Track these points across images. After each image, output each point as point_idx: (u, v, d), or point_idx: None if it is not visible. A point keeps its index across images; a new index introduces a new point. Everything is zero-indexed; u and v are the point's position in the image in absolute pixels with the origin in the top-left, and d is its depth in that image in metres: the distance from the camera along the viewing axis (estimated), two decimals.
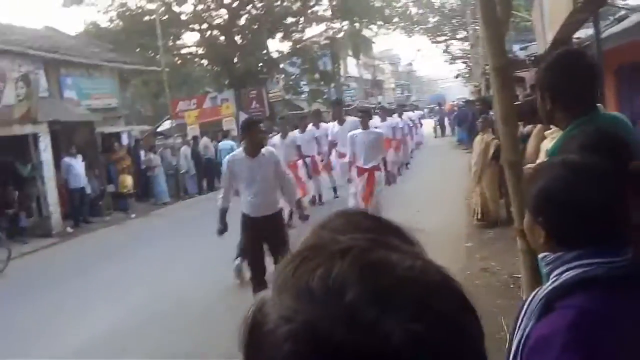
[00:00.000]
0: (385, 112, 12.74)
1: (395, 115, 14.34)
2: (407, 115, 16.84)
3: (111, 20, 23.56)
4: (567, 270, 1.06)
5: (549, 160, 1.31)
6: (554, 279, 1.08)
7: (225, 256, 5.87)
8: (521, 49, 11.26)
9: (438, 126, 29.29)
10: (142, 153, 15.10)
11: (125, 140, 14.92)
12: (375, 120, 12.01)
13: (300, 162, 9.26)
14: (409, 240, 0.47)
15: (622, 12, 7.31)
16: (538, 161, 2.16)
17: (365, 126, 6.90)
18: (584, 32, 7.82)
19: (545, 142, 2.34)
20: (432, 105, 34.26)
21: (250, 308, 0.44)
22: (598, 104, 2.02)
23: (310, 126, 10.32)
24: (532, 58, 9.38)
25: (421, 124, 22.69)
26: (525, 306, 1.12)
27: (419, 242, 0.47)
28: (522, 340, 1.07)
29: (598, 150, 1.28)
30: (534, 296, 1.12)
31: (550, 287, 1.08)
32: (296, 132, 9.97)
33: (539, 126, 2.88)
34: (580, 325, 0.97)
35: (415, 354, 0.37)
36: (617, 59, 8.23)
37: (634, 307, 1.00)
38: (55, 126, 11.76)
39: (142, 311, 5.39)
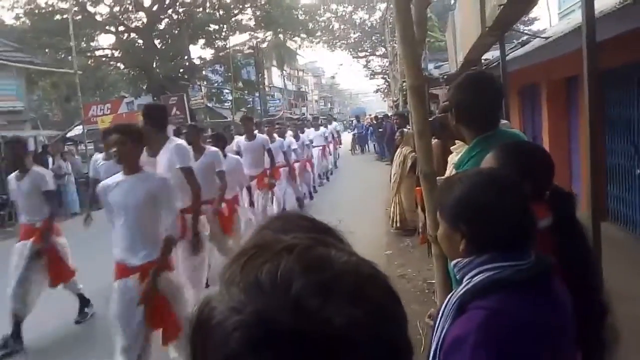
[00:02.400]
0: (298, 127, 12.26)
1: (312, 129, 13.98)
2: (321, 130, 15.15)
3: (17, 18, 21.93)
4: (478, 273, 1.15)
5: (465, 172, 1.39)
6: (467, 282, 1.16)
7: None
8: (435, 67, 11.92)
9: (357, 142, 26.47)
10: (50, 160, 14.12)
11: (31, 146, 13.88)
12: (311, 130, 13.46)
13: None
14: (340, 239, 0.53)
15: (525, 37, 7.97)
16: (446, 173, 2.32)
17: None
18: (492, 54, 8.44)
19: (452, 155, 2.49)
20: (351, 119, 31.29)
21: (195, 306, 0.47)
22: (504, 121, 2.22)
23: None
24: (445, 76, 9.95)
25: (339, 142, 20.04)
26: (442, 309, 1.19)
27: (348, 241, 0.53)
28: (440, 342, 1.14)
29: (518, 158, 1.41)
30: (449, 299, 1.20)
31: (462, 290, 1.15)
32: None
33: (435, 141, 3.11)
34: (489, 325, 1.05)
35: (354, 335, 0.42)
36: (521, 80, 8.96)
37: (538, 306, 1.10)
38: None
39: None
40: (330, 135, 16.01)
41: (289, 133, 10.46)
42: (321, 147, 13.51)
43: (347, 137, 29.08)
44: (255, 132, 7.73)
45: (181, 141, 4.36)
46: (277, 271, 0.43)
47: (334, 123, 19.62)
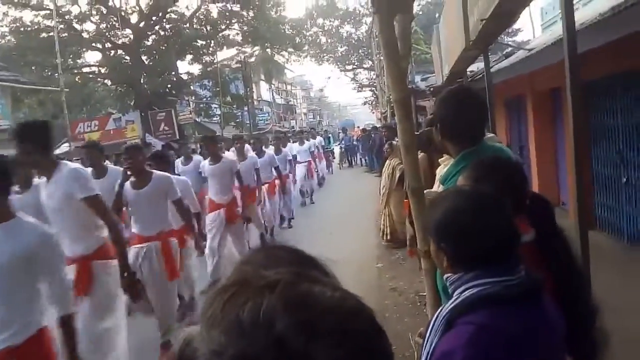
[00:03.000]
0: (279, 141, 10.73)
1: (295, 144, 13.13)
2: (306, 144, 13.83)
3: (3, 36, 21.86)
4: (466, 289, 1.15)
5: (445, 191, 1.41)
6: (456, 297, 1.17)
7: None
8: (422, 79, 12.03)
9: (345, 155, 25.17)
10: (35, 178, 13.95)
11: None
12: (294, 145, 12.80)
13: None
14: (325, 271, 0.51)
15: (510, 49, 8.07)
16: (434, 187, 2.33)
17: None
18: (477, 66, 8.54)
19: (440, 168, 2.50)
20: (339, 132, 27.50)
21: (177, 344, 0.46)
22: (490, 134, 2.23)
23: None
24: (432, 88, 10.04)
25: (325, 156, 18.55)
26: (431, 323, 1.19)
27: (333, 272, 0.51)
28: (428, 357, 1.14)
29: (495, 175, 1.42)
30: (438, 314, 1.19)
31: (451, 305, 1.16)
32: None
33: (421, 155, 3.12)
34: (477, 340, 1.05)
35: None
36: (506, 91, 9.07)
37: (527, 321, 1.10)
38: None
39: None
40: (315, 149, 15.02)
41: (270, 148, 9.79)
42: (307, 163, 12.53)
43: (335, 151, 27.66)
44: (225, 153, 7.02)
45: (76, 165, 3.45)
46: (259, 310, 0.42)
47: (318, 137, 18.05)
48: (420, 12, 29.30)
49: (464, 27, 3.86)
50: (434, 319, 1.20)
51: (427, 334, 1.19)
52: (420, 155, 3.07)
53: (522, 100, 8.80)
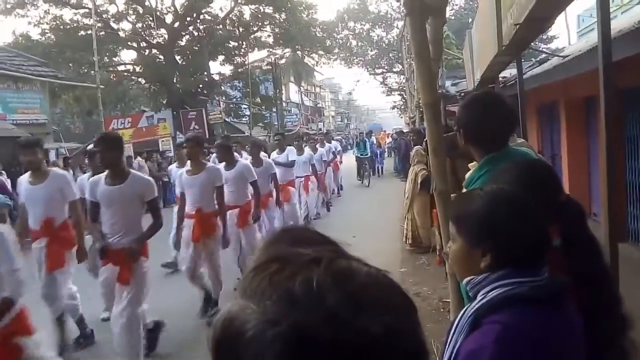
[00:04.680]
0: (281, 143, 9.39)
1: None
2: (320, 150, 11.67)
3: (43, 33, 22.61)
4: (493, 289, 1.15)
5: (484, 188, 1.38)
6: (481, 297, 1.17)
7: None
8: (452, 84, 11.91)
9: (365, 164, 18.31)
10: (70, 172, 14.39)
11: (52, 157, 14.17)
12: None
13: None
14: (346, 251, 0.54)
15: (543, 56, 7.94)
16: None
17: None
18: (509, 72, 8.42)
19: (469, 173, 2.49)
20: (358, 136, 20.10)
21: (217, 321, 0.48)
22: (520, 140, 2.22)
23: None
24: (462, 94, 9.94)
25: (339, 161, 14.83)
26: (455, 323, 1.19)
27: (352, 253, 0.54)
28: (452, 356, 1.14)
29: (531, 181, 1.42)
30: (463, 314, 1.20)
31: (478, 305, 1.16)
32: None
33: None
34: (504, 339, 1.05)
35: (387, 340, 0.45)
36: (539, 98, 8.91)
37: (553, 323, 1.10)
38: None
39: None
40: (329, 156, 12.23)
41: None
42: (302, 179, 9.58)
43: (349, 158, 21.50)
44: (240, 157, 6.92)
45: (139, 173, 4.18)
46: (310, 283, 0.45)
47: (333, 142, 15.17)
48: (453, 17, 29.03)
49: (497, 32, 3.82)
50: (457, 319, 1.20)
51: (450, 334, 1.20)
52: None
53: (555, 108, 8.63)
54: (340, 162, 15.00)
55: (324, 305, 0.44)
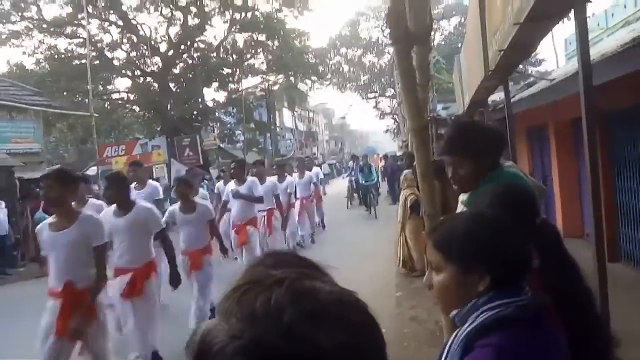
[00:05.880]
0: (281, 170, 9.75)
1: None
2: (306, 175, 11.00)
3: (38, 63, 22.81)
4: (482, 312, 1.16)
5: (463, 213, 1.40)
6: (471, 321, 1.17)
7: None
8: (444, 108, 12.07)
9: (354, 190, 17.81)
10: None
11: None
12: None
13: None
14: (324, 273, 0.58)
15: (532, 79, 8.09)
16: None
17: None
18: (498, 95, 8.55)
19: (462, 195, 2.52)
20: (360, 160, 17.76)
21: (193, 336, 0.52)
22: (509, 162, 2.26)
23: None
24: (453, 117, 10.07)
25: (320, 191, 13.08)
26: (446, 348, 1.19)
27: (330, 274, 0.58)
28: None
29: (511, 203, 1.45)
30: (453, 338, 1.19)
31: (467, 329, 1.16)
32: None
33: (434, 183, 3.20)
34: None
35: (341, 356, 0.47)
36: (528, 121, 9.04)
37: (539, 342, 1.11)
38: None
39: None
40: (309, 185, 10.84)
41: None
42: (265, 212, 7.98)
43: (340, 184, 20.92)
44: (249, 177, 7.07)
45: (149, 205, 4.52)
46: (269, 302, 0.49)
47: (315, 169, 13.03)
48: (443, 42, 29.57)
49: (483, 57, 3.92)
50: (449, 343, 1.20)
51: (443, 359, 1.21)
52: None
53: (545, 130, 8.75)
54: (324, 193, 12.89)
55: (281, 321, 0.47)
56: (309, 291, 0.51)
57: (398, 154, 21.62)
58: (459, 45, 15.99)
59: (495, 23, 3.41)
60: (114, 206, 4.40)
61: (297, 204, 10.18)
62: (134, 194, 6.93)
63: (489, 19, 3.75)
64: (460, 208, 2.40)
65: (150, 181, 7.20)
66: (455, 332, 1.23)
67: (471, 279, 1.18)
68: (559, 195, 8.17)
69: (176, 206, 5.51)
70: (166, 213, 5.48)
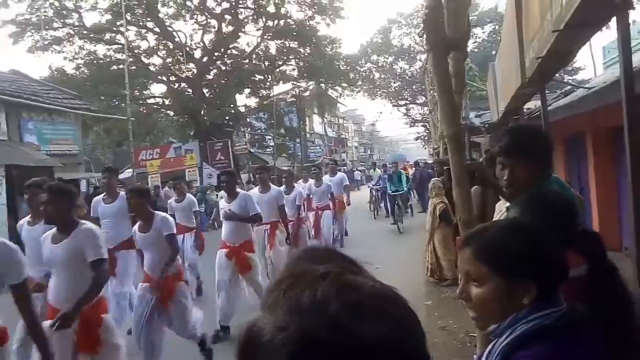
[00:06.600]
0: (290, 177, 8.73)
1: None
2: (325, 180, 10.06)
3: (78, 68, 23.60)
4: (520, 325, 1.13)
5: (504, 222, 1.37)
6: (509, 333, 1.14)
7: None
8: (476, 115, 11.91)
9: (379, 200, 16.66)
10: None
11: (84, 187, 14.58)
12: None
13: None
14: (363, 269, 0.60)
15: (568, 87, 7.92)
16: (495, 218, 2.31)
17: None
18: (534, 104, 8.40)
19: (500, 203, 2.49)
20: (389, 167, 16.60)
21: (241, 329, 0.54)
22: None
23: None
24: (486, 125, 9.93)
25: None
26: (485, 358, 1.17)
27: (368, 271, 0.60)
28: None
29: (558, 211, 1.43)
30: (489, 352, 1.17)
31: (505, 341, 1.13)
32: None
33: (475, 188, 3.14)
34: None
35: (382, 348, 0.49)
36: (566, 129, 8.83)
37: (580, 351, 1.10)
38: (12, 170, 11.44)
39: None
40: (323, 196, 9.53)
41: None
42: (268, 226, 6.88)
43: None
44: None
45: (165, 214, 4.62)
46: (315, 295, 0.50)
47: (339, 174, 11.59)
48: (476, 50, 29.21)
49: (519, 64, 3.86)
50: (484, 357, 1.19)
51: None
52: (474, 188, 3.06)
53: (582, 139, 8.53)
54: (348, 203, 11.14)
55: (327, 313, 0.49)
56: (353, 285, 0.52)
57: (429, 161, 21.37)
58: (493, 52, 15.79)
59: (532, 30, 3.37)
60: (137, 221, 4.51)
61: (312, 215, 9.16)
62: (175, 206, 7.63)
63: (526, 25, 3.71)
64: (499, 215, 2.37)
65: (187, 194, 7.84)
66: (491, 344, 1.21)
67: (517, 292, 1.14)
68: (596, 206, 7.93)
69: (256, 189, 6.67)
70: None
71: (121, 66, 20.62)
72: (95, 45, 23.66)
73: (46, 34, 22.34)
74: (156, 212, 4.50)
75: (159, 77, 24.74)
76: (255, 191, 6.87)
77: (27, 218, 4.31)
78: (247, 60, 25.50)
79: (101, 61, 23.58)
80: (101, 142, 26.65)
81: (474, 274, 1.20)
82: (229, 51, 25.03)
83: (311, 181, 9.86)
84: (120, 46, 22.32)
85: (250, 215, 5.71)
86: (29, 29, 22.01)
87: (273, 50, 26.17)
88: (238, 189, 5.95)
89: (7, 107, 12.77)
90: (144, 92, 25.47)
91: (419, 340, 0.54)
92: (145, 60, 24.35)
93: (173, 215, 6.08)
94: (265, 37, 25.06)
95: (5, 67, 17.85)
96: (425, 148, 39.48)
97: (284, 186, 8.11)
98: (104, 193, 5.89)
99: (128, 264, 5.43)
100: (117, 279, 5.30)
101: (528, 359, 1.08)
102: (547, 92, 5.90)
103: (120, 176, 19.98)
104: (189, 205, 7.59)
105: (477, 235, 1.26)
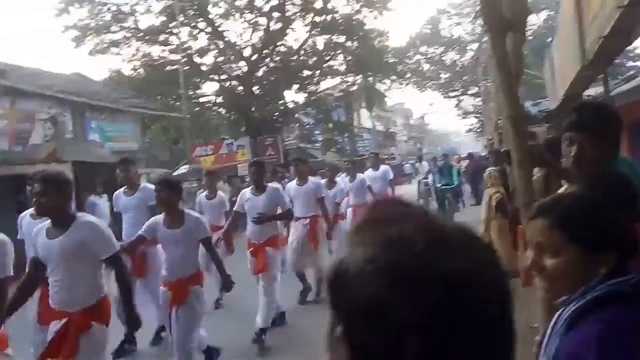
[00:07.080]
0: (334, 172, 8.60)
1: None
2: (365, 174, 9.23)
3: (134, 69, 24.59)
4: (590, 292, 1.13)
5: (583, 195, 1.35)
6: (577, 301, 1.15)
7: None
8: (533, 104, 11.53)
9: (429, 196, 15.10)
10: None
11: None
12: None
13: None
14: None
15: (631, 72, 7.55)
16: None
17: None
18: (594, 90, 8.06)
19: (563, 189, 2.44)
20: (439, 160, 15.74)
21: (331, 266, 0.57)
22: None
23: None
24: (544, 114, 9.62)
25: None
26: (550, 327, 1.19)
27: None
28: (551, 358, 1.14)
29: (629, 194, 1.42)
30: (558, 317, 1.18)
31: (575, 306, 1.14)
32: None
33: (539, 174, 3.05)
34: (609, 337, 1.04)
35: (469, 282, 0.51)
36: (628, 116, 8.41)
37: None
38: (78, 166, 12.14)
39: None
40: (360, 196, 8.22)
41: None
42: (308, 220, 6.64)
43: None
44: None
45: (196, 215, 4.30)
46: (402, 231, 0.54)
47: (383, 167, 9.95)
48: (531, 37, 28.14)
49: (579, 46, 3.73)
50: (553, 322, 1.20)
51: (546, 339, 1.20)
52: (536, 176, 3.00)
53: None
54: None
55: (414, 248, 0.51)
56: (438, 224, 0.55)
57: (482, 153, 20.82)
58: (549, 39, 15.16)
59: (594, 8, 3.26)
60: (163, 215, 4.01)
61: (350, 212, 8.16)
62: (205, 203, 7.21)
63: (588, 3, 3.58)
64: None
65: (219, 192, 7.43)
66: (557, 314, 1.21)
67: (595, 261, 1.14)
68: None
69: (293, 182, 6.34)
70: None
71: (175, 67, 21.30)
72: (150, 47, 24.54)
73: (105, 38, 23.39)
74: (187, 211, 4.13)
75: (211, 76, 25.37)
76: (292, 184, 6.65)
77: (30, 211, 4.05)
78: (295, 57, 25.70)
79: (156, 62, 24.44)
80: (158, 139, 27.69)
81: (548, 244, 1.20)
82: (277, 48, 25.31)
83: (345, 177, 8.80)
84: (173, 47, 23.07)
85: (281, 214, 5.42)
86: (89, 33, 23.10)
87: (320, 46, 26.21)
88: (266, 183, 5.62)
89: (72, 107, 13.52)
90: (197, 91, 26.20)
91: (501, 280, 0.56)
92: (197, 60, 25.04)
93: (201, 213, 5.86)
94: (312, 32, 25.16)
95: (69, 71, 18.86)
96: (478, 140, 38.47)
97: (325, 179, 7.94)
98: (125, 186, 5.71)
99: (159, 260, 4.76)
100: (148, 278, 4.94)
101: (600, 323, 1.08)
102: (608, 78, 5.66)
103: (176, 172, 20.80)
104: (220, 203, 7.24)
105: (552, 206, 1.25)
